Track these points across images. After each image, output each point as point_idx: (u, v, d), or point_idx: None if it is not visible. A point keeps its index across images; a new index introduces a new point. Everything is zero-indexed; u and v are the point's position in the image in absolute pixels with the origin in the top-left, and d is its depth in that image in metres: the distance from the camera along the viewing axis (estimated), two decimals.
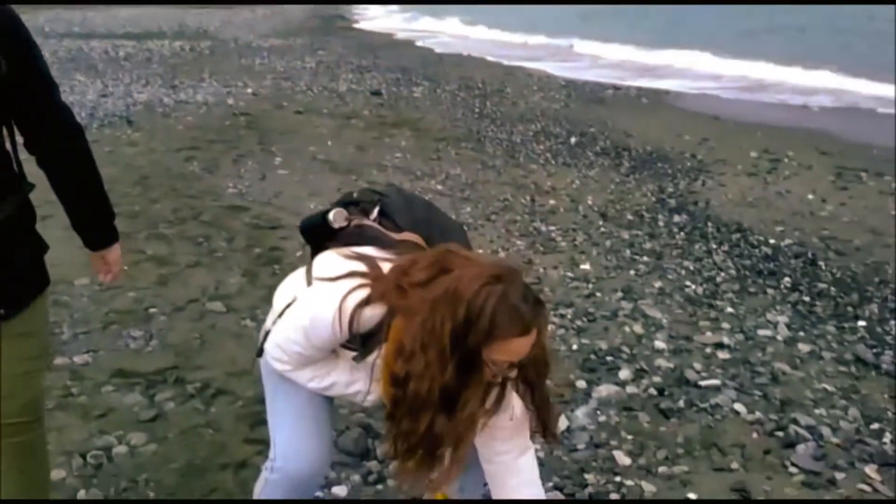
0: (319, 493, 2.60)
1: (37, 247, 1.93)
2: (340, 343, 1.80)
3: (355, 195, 2.12)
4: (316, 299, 1.78)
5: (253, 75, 13.31)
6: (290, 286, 1.96)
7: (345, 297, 1.71)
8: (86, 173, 1.97)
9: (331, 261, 1.86)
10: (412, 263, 1.73)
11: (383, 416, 1.88)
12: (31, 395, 1.98)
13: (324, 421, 1.98)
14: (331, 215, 1.99)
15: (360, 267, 1.77)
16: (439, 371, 1.63)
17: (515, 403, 1.86)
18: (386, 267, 1.77)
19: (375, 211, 2.04)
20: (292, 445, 1.92)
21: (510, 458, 1.94)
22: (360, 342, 1.77)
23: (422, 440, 1.73)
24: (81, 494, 2.55)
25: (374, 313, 1.72)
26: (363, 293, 1.72)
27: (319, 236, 2.04)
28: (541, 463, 2.79)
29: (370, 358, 1.80)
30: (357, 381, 1.87)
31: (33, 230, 1.92)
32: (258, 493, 2.01)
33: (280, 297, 1.95)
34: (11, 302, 1.84)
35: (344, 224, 1.99)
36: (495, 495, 2.02)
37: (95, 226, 2.07)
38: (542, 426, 1.88)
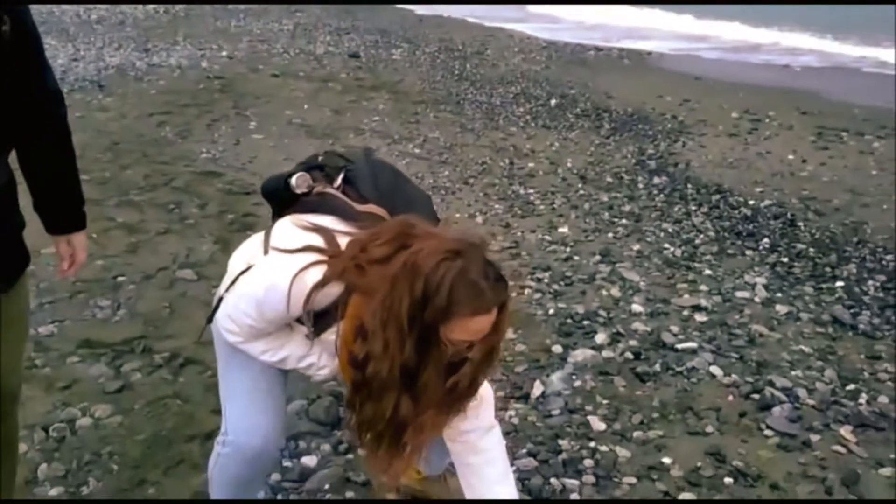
0: (288, 464, 2.56)
1: (20, 219, 1.79)
2: (293, 319, 1.74)
3: (320, 158, 2.03)
4: (270, 271, 1.71)
5: (228, 38, 13.03)
6: (248, 251, 1.89)
7: (299, 272, 1.64)
8: (61, 146, 1.82)
9: (289, 231, 1.79)
10: (371, 238, 1.66)
11: (344, 404, 1.81)
12: (17, 381, 1.89)
13: (278, 395, 1.93)
14: (293, 180, 1.92)
15: (318, 241, 1.70)
16: (398, 349, 1.57)
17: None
18: (344, 241, 1.70)
19: (340, 178, 1.95)
20: (244, 420, 1.87)
21: (475, 437, 1.89)
22: (311, 320, 1.71)
23: (388, 425, 1.68)
24: (43, 468, 2.49)
25: (329, 291, 1.66)
26: (318, 270, 1.65)
27: (281, 200, 1.97)
28: (515, 429, 2.79)
29: (325, 335, 1.74)
30: (311, 356, 1.82)
31: (16, 201, 1.78)
32: (212, 467, 1.96)
33: (236, 261, 1.89)
34: (5, 277, 1.73)
35: (306, 191, 1.91)
36: (460, 475, 1.98)
37: (63, 208, 1.91)
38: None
